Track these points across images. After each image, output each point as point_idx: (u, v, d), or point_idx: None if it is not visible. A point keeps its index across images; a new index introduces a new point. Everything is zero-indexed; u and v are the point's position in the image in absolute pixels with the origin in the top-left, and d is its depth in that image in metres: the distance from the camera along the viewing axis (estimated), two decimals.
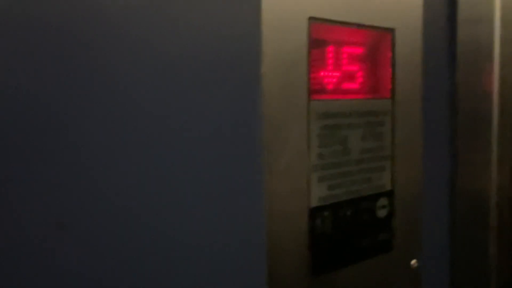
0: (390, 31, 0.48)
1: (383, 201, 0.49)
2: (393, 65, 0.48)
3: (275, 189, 0.39)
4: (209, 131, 0.38)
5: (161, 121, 0.38)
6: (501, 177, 0.58)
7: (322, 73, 0.43)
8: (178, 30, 0.37)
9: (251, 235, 0.38)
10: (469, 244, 0.58)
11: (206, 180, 0.38)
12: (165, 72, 0.38)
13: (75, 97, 0.44)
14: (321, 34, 0.42)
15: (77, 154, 0.44)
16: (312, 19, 0.40)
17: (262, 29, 0.36)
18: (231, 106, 0.38)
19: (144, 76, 0.39)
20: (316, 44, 0.42)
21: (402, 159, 0.50)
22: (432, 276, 0.57)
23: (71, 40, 0.45)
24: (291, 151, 0.40)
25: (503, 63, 0.57)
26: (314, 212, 0.42)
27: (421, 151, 0.52)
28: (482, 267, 0.58)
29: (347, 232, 0.45)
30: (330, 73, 0.44)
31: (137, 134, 0.39)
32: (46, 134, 0.48)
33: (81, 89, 0.44)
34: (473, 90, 0.58)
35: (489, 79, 0.57)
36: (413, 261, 0.53)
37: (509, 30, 0.58)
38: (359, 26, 0.45)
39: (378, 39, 0.48)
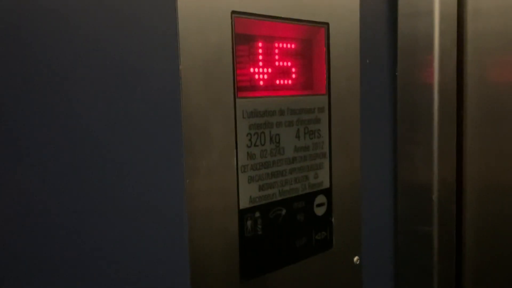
0: (324, 25, 0.46)
1: (321, 198, 0.48)
2: (328, 60, 0.47)
3: (200, 190, 0.37)
4: (127, 130, 0.36)
5: (78, 121, 0.36)
6: (443, 170, 0.58)
7: (251, 70, 0.42)
8: (89, 26, 0.35)
9: (173, 240, 0.36)
10: (411, 239, 0.58)
11: (124, 180, 0.37)
12: (80, 72, 0.36)
13: None
14: (247, 29, 0.40)
15: None
16: (235, 13, 0.38)
17: (178, 24, 0.34)
18: (148, 105, 0.36)
19: (61, 74, 0.36)
20: (242, 39, 0.40)
21: (341, 155, 0.49)
22: (375, 272, 0.57)
23: None
24: (216, 151, 0.38)
25: (442, 56, 0.57)
26: (244, 214, 0.40)
27: (360, 147, 0.51)
28: (425, 262, 0.58)
29: (282, 232, 0.44)
30: (260, 70, 0.43)
31: (56, 131, 0.37)
32: None
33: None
34: (413, 83, 0.57)
35: (429, 71, 0.57)
36: (356, 258, 0.53)
37: (448, 23, 0.58)
38: (290, 20, 0.43)
39: (312, 34, 0.46)
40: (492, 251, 0.65)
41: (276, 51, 0.44)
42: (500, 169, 0.64)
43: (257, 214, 0.42)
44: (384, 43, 0.56)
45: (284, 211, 0.44)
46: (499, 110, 0.63)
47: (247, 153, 0.41)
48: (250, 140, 0.41)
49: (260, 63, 0.42)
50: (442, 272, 0.59)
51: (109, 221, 0.37)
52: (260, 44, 0.42)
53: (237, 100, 0.39)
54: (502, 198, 0.64)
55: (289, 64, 0.45)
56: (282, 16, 0.42)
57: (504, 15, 0.63)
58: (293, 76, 0.46)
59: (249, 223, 0.41)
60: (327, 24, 0.47)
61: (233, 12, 0.38)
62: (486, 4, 0.61)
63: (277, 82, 0.44)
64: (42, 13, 0.36)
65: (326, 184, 0.48)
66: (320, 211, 0.48)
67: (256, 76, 0.42)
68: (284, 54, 0.45)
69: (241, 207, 0.40)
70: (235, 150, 0.39)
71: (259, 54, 0.42)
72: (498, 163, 0.63)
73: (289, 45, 0.45)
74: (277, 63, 0.44)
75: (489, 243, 0.64)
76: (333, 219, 0.49)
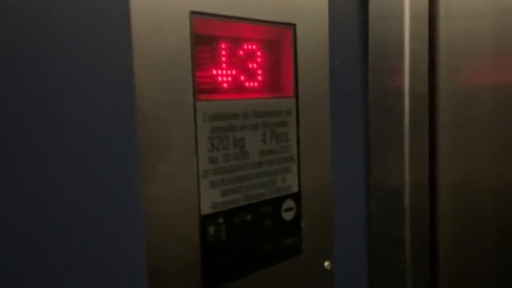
0: (291, 26, 0.45)
1: (289, 203, 0.47)
2: (296, 62, 0.46)
3: (158, 196, 0.36)
4: (78, 136, 0.35)
5: (29, 123, 0.34)
6: (416, 173, 0.58)
7: (214, 72, 0.41)
8: (40, 27, 0.33)
9: (130, 248, 0.35)
10: (385, 243, 0.57)
11: (78, 188, 0.35)
12: (31, 75, 0.34)
13: None
14: (208, 30, 0.39)
15: None
16: (194, 13, 0.37)
17: (131, 24, 0.33)
18: (100, 108, 0.34)
19: (11, 77, 0.35)
20: (203, 40, 0.39)
21: (310, 159, 0.49)
22: (349, 277, 0.56)
23: None
24: (175, 156, 0.37)
25: (413, 59, 0.57)
26: (206, 220, 0.39)
27: (330, 150, 0.51)
28: (398, 266, 0.57)
29: (247, 238, 0.43)
30: (223, 72, 0.42)
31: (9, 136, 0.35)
32: None
33: None
34: (385, 86, 0.57)
35: (400, 74, 0.56)
36: (327, 263, 0.52)
37: (418, 26, 0.58)
38: (254, 21, 0.42)
39: (278, 35, 0.45)
40: (466, 253, 0.64)
41: (241, 52, 0.43)
42: (473, 171, 0.63)
43: (221, 220, 0.40)
44: (354, 44, 0.56)
45: (249, 217, 0.43)
46: (471, 112, 0.63)
47: (209, 157, 0.39)
48: (212, 144, 0.40)
49: (223, 65, 0.41)
50: (416, 276, 0.59)
51: (64, 229, 0.35)
52: (223, 46, 0.41)
53: (197, 103, 0.38)
54: (475, 199, 0.64)
55: (255, 66, 0.44)
56: (246, 16, 0.41)
57: (476, 18, 0.63)
58: (259, 78, 0.44)
59: (211, 229, 0.40)
60: (294, 25, 0.46)
61: (191, 12, 0.37)
62: (458, 7, 0.61)
63: (242, 84, 0.43)
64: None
65: (295, 188, 0.47)
66: (288, 216, 0.47)
67: (219, 79, 0.41)
68: (249, 56, 0.44)
69: (202, 213, 0.39)
70: (195, 155, 0.38)
71: (222, 55, 0.41)
72: (471, 164, 0.63)
73: (254, 47, 0.44)
74: (241, 65, 0.43)
75: (463, 245, 0.64)
76: (302, 224, 0.48)
